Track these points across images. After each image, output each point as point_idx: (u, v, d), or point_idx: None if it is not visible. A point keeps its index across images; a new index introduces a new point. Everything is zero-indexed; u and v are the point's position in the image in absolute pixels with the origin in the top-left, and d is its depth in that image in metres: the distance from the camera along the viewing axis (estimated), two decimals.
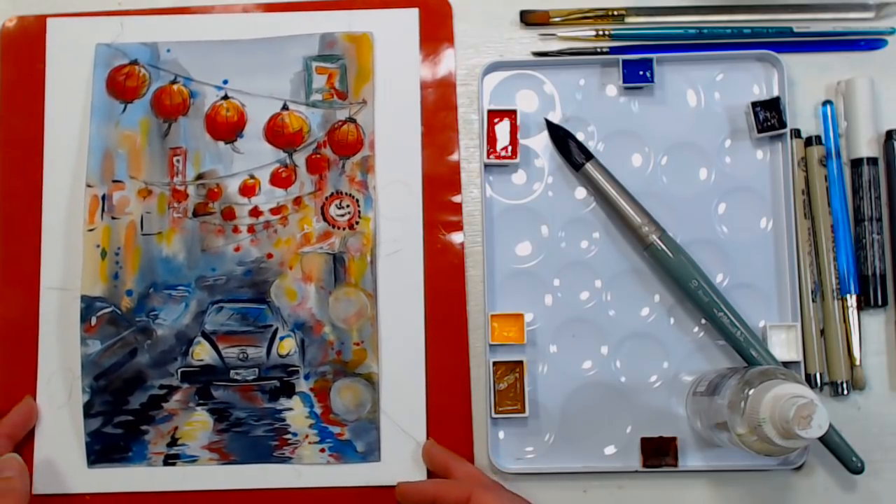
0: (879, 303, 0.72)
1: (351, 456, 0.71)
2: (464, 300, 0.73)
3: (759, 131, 0.73)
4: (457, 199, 0.74)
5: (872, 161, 0.73)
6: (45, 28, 0.76)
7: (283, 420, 0.72)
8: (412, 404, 0.72)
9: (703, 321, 0.72)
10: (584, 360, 0.72)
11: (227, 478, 0.71)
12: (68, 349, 0.73)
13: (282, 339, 0.73)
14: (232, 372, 0.72)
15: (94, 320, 0.72)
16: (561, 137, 0.74)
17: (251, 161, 0.74)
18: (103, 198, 0.74)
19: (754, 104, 0.72)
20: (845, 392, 0.71)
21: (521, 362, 0.71)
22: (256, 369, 0.72)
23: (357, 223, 0.74)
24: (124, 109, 0.75)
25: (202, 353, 0.72)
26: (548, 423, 0.72)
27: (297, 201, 0.74)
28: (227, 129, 0.74)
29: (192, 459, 0.72)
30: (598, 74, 0.75)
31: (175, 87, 0.75)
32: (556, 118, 0.74)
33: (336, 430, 0.72)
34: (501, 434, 0.72)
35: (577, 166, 0.73)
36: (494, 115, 0.74)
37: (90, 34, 0.75)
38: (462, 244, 0.74)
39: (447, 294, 0.73)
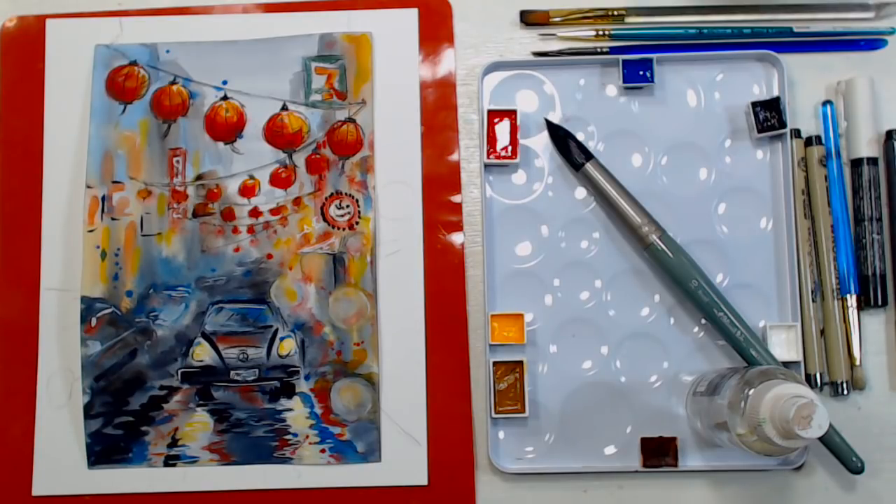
0: (879, 303, 0.72)
1: (351, 456, 0.71)
2: (464, 300, 0.73)
3: (759, 131, 0.72)
4: (457, 199, 0.74)
5: (872, 161, 0.73)
6: (44, 28, 0.76)
7: (284, 420, 0.72)
8: (412, 404, 0.72)
9: (703, 321, 0.72)
10: (584, 360, 0.72)
11: (227, 478, 0.71)
12: (68, 350, 0.73)
13: (282, 339, 0.73)
14: (232, 372, 0.72)
15: (94, 321, 0.73)
16: (561, 137, 0.74)
17: (251, 161, 0.74)
18: (103, 199, 0.74)
19: (754, 104, 0.72)
20: (845, 392, 0.71)
21: (521, 362, 0.71)
22: (256, 370, 0.72)
23: (357, 223, 0.74)
24: (124, 110, 0.75)
25: (202, 353, 0.72)
26: (548, 423, 0.72)
27: (297, 202, 0.74)
28: (226, 129, 0.74)
29: (193, 460, 0.72)
30: (598, 74, 0.75)
31: (174, 87, 0.75)
32: (556, 118, 0.74)
33: (336, 430, 0.72)
34: (501, 434, 0.72)
35: (577, 166, 0.73)
36: (494, 115, 0.74)
37: (89, 35, 0.75)
38: (462, 244, 0.74)
39: (447, 294, 0.73)
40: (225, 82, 0.75)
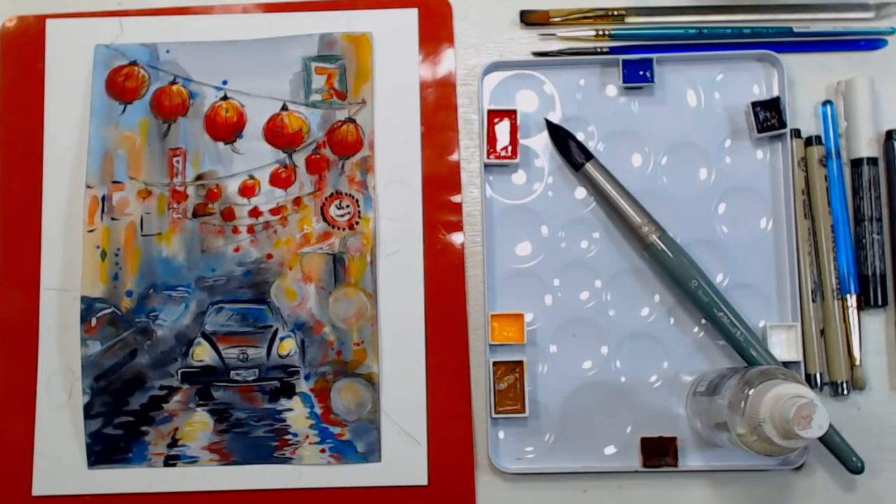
0: (879, 303, 0.72)
1: (351, 456, 0.71)
2: (464, 300, 0.73)
3: (759, 131, 0.72)
4: (457, 199, 0.74)
5: (872, 161, 0.73)
6: (44, 28, 0.76)
7: (284, 420, 0.72)
8: (412, 404, 0.72)
9: (703, 321, 0.72)
10: (584, 360, 0.72)
11: (227, 478, 0.71)
12: (68, 350, 0.73)
13: (282, 339, 0.73)
14: (232, 372, 0.72)
15: (94, 321, 0.73)
16: (561, 137, 0.74)
17: (251, 161, 0.74)
18: (103, 199, 0.74)
19: (754, 104, 0.72)
20: (845, 392, 0.71)
21: (521, 362, 0.71)
22: (257, 370, 0.72)
23: (357, 223, 0.74)
24: (124, 110, 0.75)
25: (202, 353, 0.72)
26: (548, 423, 0.72)
27: (297, 202, 0.74)
28: (226, 129, 0.74)
29: (193, 460, 0.72)
30: (598, 74, 0.75)
31: (174, 87, 0.75)
32: (556, 118, 0.74)
33: (336, 430, 0.72)
34: (501, 434, 0.72)
35: (577, 166, 0.73)
36: (494, 115, 0.74)
37: (89, 35, 0.75)
38: (462, 244, 0.74)
39: (447, 294, 0.73)
40: (225, 82, 0.75)
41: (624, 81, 0.74)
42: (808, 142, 0.73)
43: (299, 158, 0.74)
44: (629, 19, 0.76)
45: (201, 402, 0.72)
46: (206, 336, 0.73)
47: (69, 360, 0.73)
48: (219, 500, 0.72)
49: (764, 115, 0.72)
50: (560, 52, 0.75)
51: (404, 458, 0.71)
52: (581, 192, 0.74)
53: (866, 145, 0.73)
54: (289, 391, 0.72)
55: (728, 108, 0.74)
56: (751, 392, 0.62)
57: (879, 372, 0.72)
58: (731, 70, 0.74)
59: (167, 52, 0.75)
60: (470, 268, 0.74)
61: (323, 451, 0.72)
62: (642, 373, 0.72)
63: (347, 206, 0.74)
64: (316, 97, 0.75)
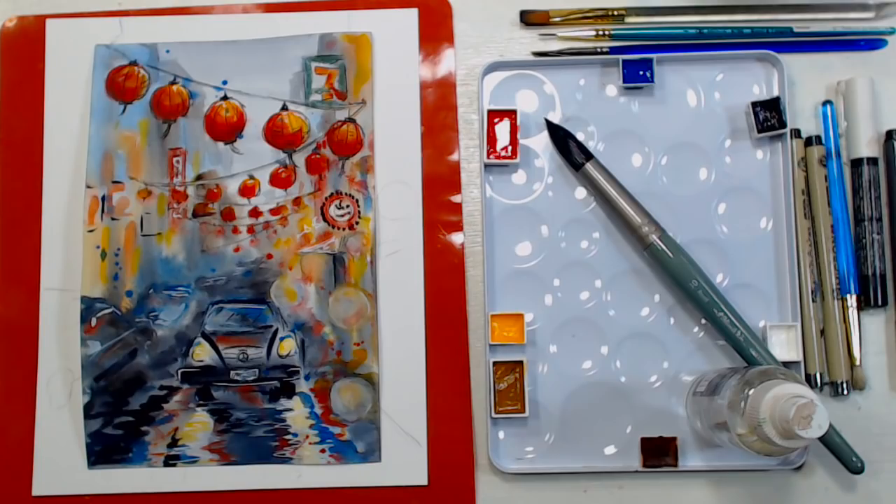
0: (879, 303, 0.72)
1: (351, 456, 0.71)
2: (464, 300, 0.73)
3: (759, 131, 0.72)
4: (457, 199, 0.74)
5: (872, 161, 0.73)
6: (44, 28, 0.76)
7: (284, 420, 0.72)
8: (412, 404, 0.72)
9: (703, 321, 0.72)
10: (584, 360, 0.72)
11: (227, 478, 0.71)
12: (68, 350, 0.73)
13: (282, 339, 0.73)
14: (232, 372, 0.72)
15: (94, 321, 0.73)
16: (561, 137, 0.74)
17: (251, 161, 0.74)
18: (103, 199, 0.74)
19: (754, 104, 0.72)
20: (845, 392, 0.71)
21: (521, 362, 0.71)
22: (256, 370, 0.72)
23: (357, 223, 0.74)
24: (124, 110, 0.75)
25: (202, 353, 0.72)
26: (548, 423, 0.72)
27: (297, 202, 0.74)
28: (226, 129, 0.75)
29: (193, 460, 0.72)
30: (598, 74, 0.75)
31: (174, 87, 0.75)
32: (556, 118, 0.74)
33: (336, 430, 0.72)
34: (501, 434, 0.72)
35: (577, 166, 0.73)
36: (494, 115, 0.74)
37: (89, 35, 0.75)
38: (462, 244, 0.74)
39: (447, 294, 0.73)
40: (225, 82, 0.75)
41: (624, 81, 0.74)
42: (808, 142, 0.73)
43: (299, 158, 0.74)
44: (629, 19, 0.76)
45: (201, 402, 0.72)
46: (206, 336, 0.73)
47: (69, 360, 0.73)
48: (219, 500, 0.72)
49: (764, 115, 0.72)
50: (560, 52, 0.75)
51: (404, 458, 0.71)
52: (581, 192, 0.74)
53: (866, 145, 0.73)
54: (289, 391, 0.72)
55: (728, 108, 0.74)
56: (751, 392, 0.62)
57: (879, 372, 0.72)
58: (731, 70, 0.74)
59: (167, 52, 0.75)
60: (470, 268, 0.74)
61: (323, 451, 0.72)
62: (642, 373, 0.72)
63: (347, 206, 0.74)
64: (316, 97, 0.75)
